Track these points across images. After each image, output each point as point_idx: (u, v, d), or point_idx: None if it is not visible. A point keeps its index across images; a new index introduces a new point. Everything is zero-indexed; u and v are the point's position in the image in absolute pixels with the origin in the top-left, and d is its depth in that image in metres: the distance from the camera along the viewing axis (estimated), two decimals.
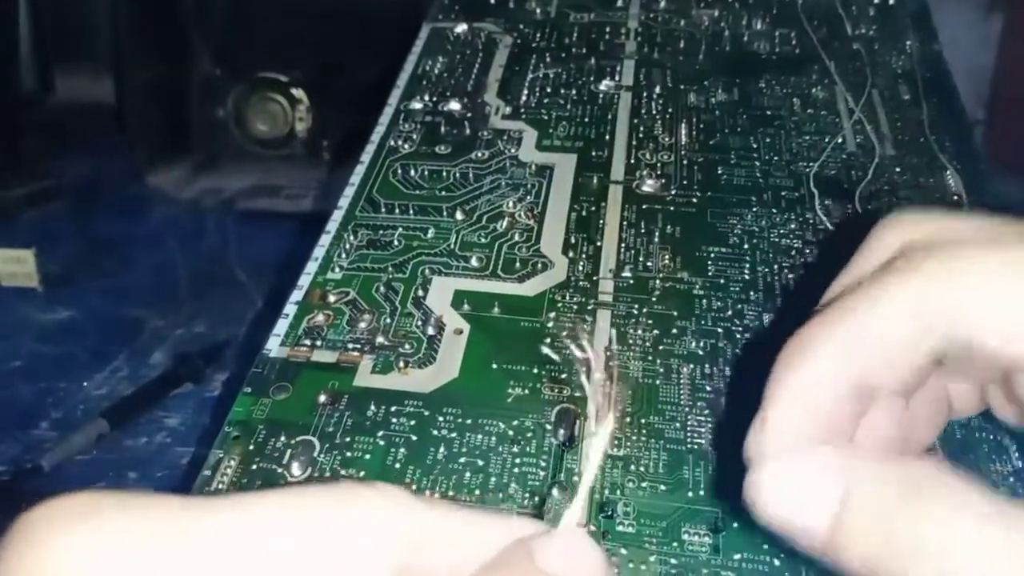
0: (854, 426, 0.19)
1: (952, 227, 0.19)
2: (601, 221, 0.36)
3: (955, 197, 0.37)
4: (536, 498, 0.26)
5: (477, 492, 0.26)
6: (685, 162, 0.39)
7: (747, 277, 0.33)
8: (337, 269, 0.34)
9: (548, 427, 0.28)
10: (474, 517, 0.16)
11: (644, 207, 0.37)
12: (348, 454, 0.28)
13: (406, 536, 0.15)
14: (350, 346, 0.31)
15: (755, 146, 0.40)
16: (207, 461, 0.27)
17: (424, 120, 0.43)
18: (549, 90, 0.44)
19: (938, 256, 0.18)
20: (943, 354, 0.18)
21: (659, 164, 0.39)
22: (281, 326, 0.32)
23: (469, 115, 0.43)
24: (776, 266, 0.34)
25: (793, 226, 0.36)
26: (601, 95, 0.44)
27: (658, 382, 0.30)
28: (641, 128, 0.41)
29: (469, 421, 0.28)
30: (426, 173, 0.39)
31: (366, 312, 0.32)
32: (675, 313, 0.32)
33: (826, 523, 0.17)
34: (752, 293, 0.33)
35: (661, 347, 0.31)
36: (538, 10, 0.51)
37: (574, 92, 0.44)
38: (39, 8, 0.70)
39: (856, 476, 0.17)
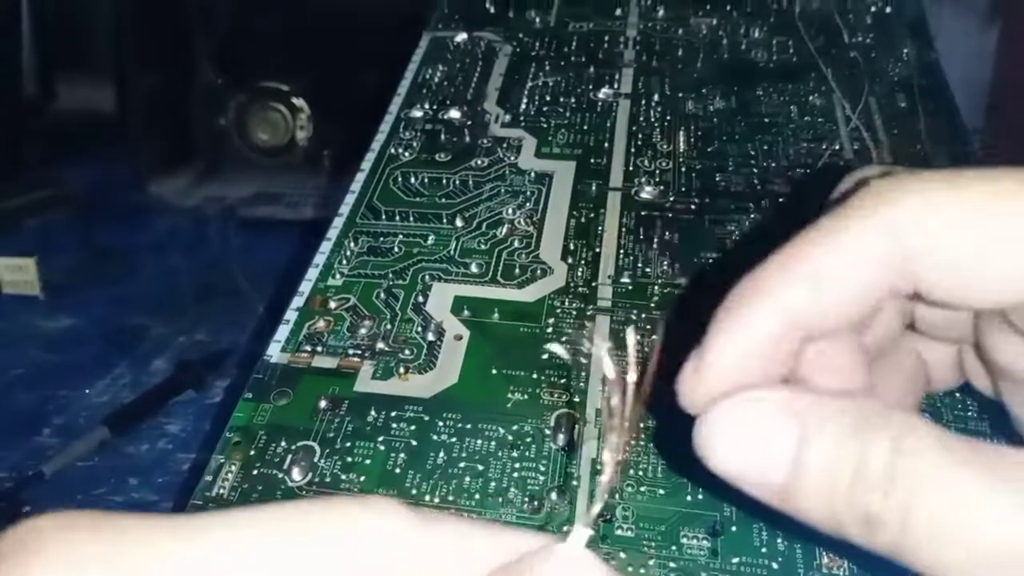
0: (804, 368, 0.18)
1: (920, 175, 0.18)
2: (600, 228, 0.36)
3: None
4: (536, 502, 0.26)
5: (477, 497, 0.27)
6: (683, 169, 0.40)
7: None
8: (338, 275, 0.35)
9: (547, 432, 0.28)
10: (470, 531, 0.15)
11: (643, 214, 0.37)
12: (348, 459, 0.28)
13: (396, 554, 0.14)
14: (351, 352, 0.31)
15: (753, 153, 0.40)
16: (208, 466, 0.28)
17: (424, 128, 0.43)
18: (548, 98, 0.45)
19: (894, 192, 0.17)
20: (897, 291, 0.17)
21: (657, 171, 0.39)
22: (282, 332, 0.32)
23: (469, 123, 0.43)
24: None
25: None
26: (600, 103, 0.44)
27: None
28: (640, 135, 0.42)
29: (469, 426, 0.29)
30: (426, 180, 0.39)
31: (367, 318, 0.33)
32: (674, 318, 0.32)
33: (784, 467, 0.16)
34: None
35: None
36: (537, 19, 0.52)
37: (573, 100, 0.45)
38: (42, 16, 0.70)
39: (813, 415, 0.16)
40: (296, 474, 0.27)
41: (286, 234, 0.61)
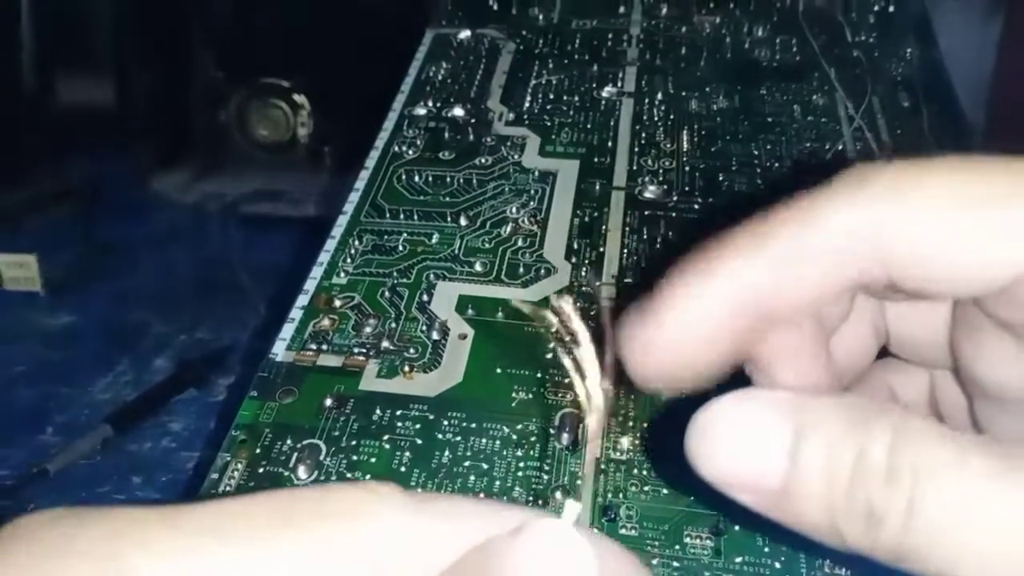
0: (763, 356, 0.18)
1: (900, 162, 0.17)
2: (604, 227, 0.36)
3: None
4: (540, 501, 0.27)
5: (482, 495, 0.27)
6: (687, 168, 0.40)
7: None
8: (342, 274, 0.35)
9: (552, 431, 0.29)
10: (466, 508, 0.15)
11: (646, 213, 0.37)
12: (354, 457, 0.28)
13: (385, 535, 0.14)
14: (355, 350, 0.31)
15: (756, 153, 0.40)
16: (214, 464, 0.28)
17: (428, 126, 0.43)
18: (552, 96, 0.45)
19: (871, 174, 0.16)
20: (867, 275, 0.16)
21: (661, 170, 0.39)
22: (287, 330, 0.32)
23: (473, 121, 0.43)
24: None
25: None
26: (603, 101, 0.44)
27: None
28: (643, 134, 0.42)
29: (473, 425, 0.29)
30: (430, 179, 0.39)
31: (371, 317, 0.33)
32: None
33: (781, 467, 0.15)
34: None
35: None
36: (541, 16, 0.52)
37: (577, 98, 0.45)
38: (41, 12, 0.70)
39: (808, 411, 0.15)
40: (302, 472, 0.27)
41: (287, 231, 0.61)
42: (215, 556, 0.13)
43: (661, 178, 0.39)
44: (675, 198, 0.38)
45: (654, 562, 0.25)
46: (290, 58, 0.73)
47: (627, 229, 0.36)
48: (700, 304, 0.17)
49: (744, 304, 0.17)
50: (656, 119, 0.43)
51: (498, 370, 0.30)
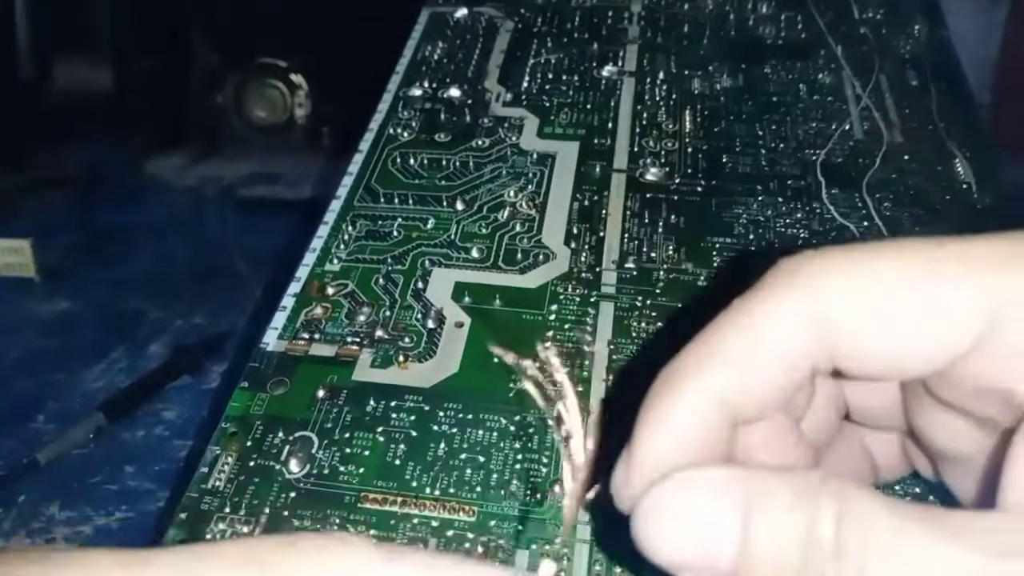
0: (740, 452, 0.18)
1: (827, 251, 0.18)
2: (604, 211, 0.36)
3: (964, 185, 0.36)
4: (538, 495, 0.26)
5: (478, 489, 0.26)
6: (689, 150, 0.39)
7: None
8: (335, 260, 0.34)
9: (550, 422, 0.28)
10: (436, 564, 0.15)
11: (648, 196, 0.36)
12: (347, 450, 0.27)
13: None
14: (349, 339, 0.31)
15: (761, 133, 0.39)
16: (204, 458, 0.27)
17: (423, 107, 0.42)
18: (551, 76, 0.44)
19: (805, 269, 0.17)
20: (819, 368, 0.17)
21: (663, 152, 0.38)
22: (279, 319, 0.32)
23: (469, 102, 0.42)
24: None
25: (800, 215, 0.35)
26: (604, 81, 0.43)
27: None
28: (644, 115, 0.41)
29: (470, 416, 0.28)
30: (426, 162, 0.38)
31: (365, 305, 0.32)
32: (679, 305, 0.31)
33: (731, 550, 0.15)
34: None
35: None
36: None
37: (576, 78, 0.44)
38: None
39: (754, 489, 0.15)
40: (294, 465, 0.27)
41: (284, 214, 0.60)
42: None
43: (663, 160, 0.38)
44: (677, 180, 0.37)
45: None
46: (287, 38, 0.72)
47: (628, 213, 0.35)
48: (674, 425, 0.17)
49: (713, 415, 0.17)
50: (658, 99, 0.42)
51: (495, 359, 0.30)
